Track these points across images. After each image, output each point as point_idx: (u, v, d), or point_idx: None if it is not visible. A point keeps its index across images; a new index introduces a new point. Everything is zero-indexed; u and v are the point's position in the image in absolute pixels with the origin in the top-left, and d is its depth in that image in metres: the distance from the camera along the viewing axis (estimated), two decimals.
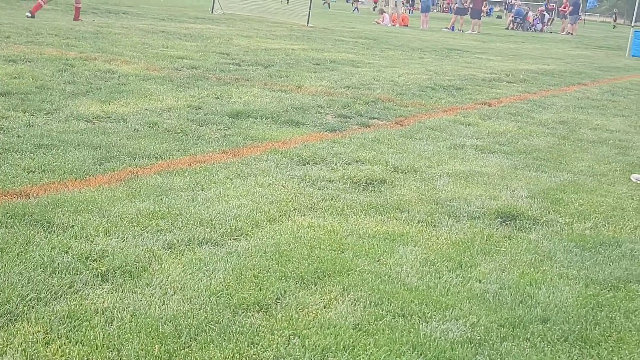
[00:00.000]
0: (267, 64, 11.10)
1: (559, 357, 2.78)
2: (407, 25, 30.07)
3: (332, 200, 4.51)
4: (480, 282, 3.42)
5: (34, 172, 4.40)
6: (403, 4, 34.48)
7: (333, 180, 4.95)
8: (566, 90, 11.80)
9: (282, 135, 6.24)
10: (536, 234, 4.24)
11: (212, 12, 23.83)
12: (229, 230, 3.77)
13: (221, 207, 4.11)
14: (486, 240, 4.04)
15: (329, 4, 41.46)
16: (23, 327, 2.58)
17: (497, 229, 4.26)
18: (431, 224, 4.24)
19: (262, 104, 7.60)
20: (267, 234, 3.80)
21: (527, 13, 40.77)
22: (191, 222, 3.82)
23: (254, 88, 8.58)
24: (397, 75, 11.36)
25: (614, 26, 57.51)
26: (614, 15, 62.77)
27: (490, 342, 2.84)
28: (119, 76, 8.38)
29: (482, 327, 2.94)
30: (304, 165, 5.31)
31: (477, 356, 2.73)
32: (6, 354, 2.42)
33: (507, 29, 37.71)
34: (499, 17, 57.95)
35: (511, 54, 19.27)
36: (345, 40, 17.87)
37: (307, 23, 22.61)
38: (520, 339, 2.88)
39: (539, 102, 9.94)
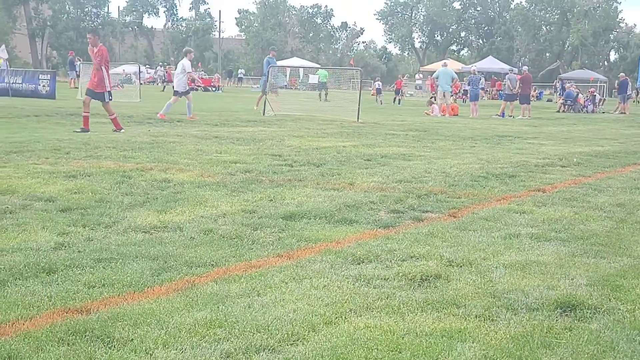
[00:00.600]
0: (319, 162, 11.25)
1: None
2: (457, 115, 30.29)
3: (387, 298, 4.51)
4: None
5: (94, 287, 4.50)
6: (452, 94, 34.80)
7: (388, 278, 4.95)
8: (622, 171, 11.69)
9: (336, 234, 6.29)
10: (597, 323, 4.16)
11: (263, 114, 24.33)
12: (286, 335, 3.79)
13: (277, 312, 4.14)
14: (546, 332, 3.98)
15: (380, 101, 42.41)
16: None
17: (556, 320, 4.20)
18: (489, 318, 4.20)
19: (315, 203, 7.68)
20: (324, 337, 3.81)
21: (578, 95, 40.77)
22: (248, 329, 3.85)
23: (306, 188, 8.69)
24: (448, 166, 11.40)
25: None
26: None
27: None
28: (174, 184, 8.58)
29: None
30: (359, 264, 5.33)
31: None
32: None
33: (558, 112, 37.72)
34: (550, 100, 58.02)
35: (563, 137, 19.22)
36: (395, 134, 18.06)
37: (357, 119, 22.93)
38: None
39: (594, 185, 9.85)
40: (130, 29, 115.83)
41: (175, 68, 24.27)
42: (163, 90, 44.79)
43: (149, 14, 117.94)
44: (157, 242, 5.73)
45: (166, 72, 54.03)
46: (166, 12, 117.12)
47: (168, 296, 4.37)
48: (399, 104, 42.75)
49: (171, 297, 4.36)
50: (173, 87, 22.60)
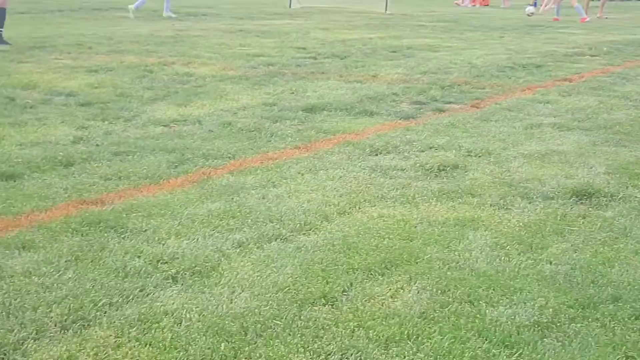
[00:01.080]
0: (344, 55, 11.11)
1: (630, 336, 2.72)
2: (487, 5, 29.59)
3: (403, 189, 4.50)
4: (551, 263, 3.37)
5: (110, 179, 4.53)
6: None
7: (405, 169, 4.94)
8: None
9: (356, 126, 6.25)
10: (612, 211, 4.14)
11: (289, 6, 23.96)
12: (299, 225, 3.81)
13: (291, 203, 4.16)
14: (559, 220, 3.97)
15: None
16: (95, 332, 2.67)
17: (571, 208, 4.18)
18: (503, 207, 4.19)
19: (336, 96, 7.62)
20: (337, 226, 3.83)
21: None
22: (261, 219, 3.87)
23: (329, 81, 8.61)
24: (475, 57, 11.22)
25: None
26: None
27: (558, 324, 2.80)
28: (196, 79, 8.54)
29: (551, 310, 2.90)
30: (376, 155, 5.31)
31: (545, 339, 2.69)
32: (78, 359, 2.52)
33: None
34: None
35: (596, 25, 18.80)
36: (424, 25, 17.74)
37: (385, 10, 22.51)
38: (590, 320, 2.83)
39: (623, 74, 9.67)
40: None
41: None
42: None
43: None
44: (175, 136, 5.74)
45: None
46: None
47: (183, 188, 4.40)
48: None
49: (186, 188, 4.39)
50: None
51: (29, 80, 7.99)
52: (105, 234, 3.59)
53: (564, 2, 21.15)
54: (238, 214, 3.95)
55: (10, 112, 6.41)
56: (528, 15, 20.71)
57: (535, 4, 29.62)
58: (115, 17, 17.79)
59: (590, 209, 4.19)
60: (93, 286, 3.03)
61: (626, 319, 2.84)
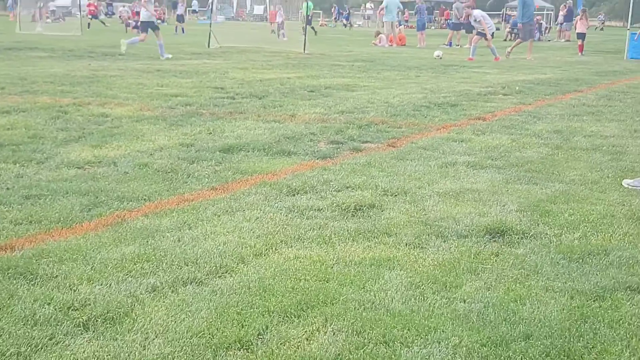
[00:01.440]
0: (262, 94, 11.15)
1: None
2: (404, 45, 30.17)
3: (319, 229, 4.51)
4: (464, 302, 3.41)
5: (20, 224, 4.42)
6: (400, 23, 34.59)
7: (322, 209, 4.95)
8: (562, 98, 11.80)
9: (273, 166, 6.26)
10: (524, 248, 4.23)
11: (208, 46, 23.97)
12: (214, 268, 3.78)
13: (207, 245, 4.12)
14: (473, 258, 4.03)
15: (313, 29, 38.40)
16: None
17: (484, 246, 4.25)
18: (418, 246, 4.23)
19: (254, 136, 7.62)
20: (253, 269, 3.81)
21: None
22: (176, 262, 3.83)
23: (247, 121, 8.62)
24: (391, 96, 11.39)
25: (602, 29, 58.72)
26: (601, 19, 63.87)
27: None
28: (112, 119, 8.43)
29: (464, 348, 2.93)
30: (293, 195, 5.32)
31: None
32: None
33: (505, 40, 37.78)
34: (497, 29, 58.05)
35: (508, 65, 19.33)
36: (341, 65, 17.96)
37: (304, 50, 22.72)
38: (502, 358, 2.87)
39: (534, 112, 9.94)
40: None
41: None
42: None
43: None
44: (89, 178, 5.64)
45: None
46: None
47: (97, 232, 4.32)
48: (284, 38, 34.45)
49: (100, 232, 4.31)
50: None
51: None
52: (14, 281, 3.49)
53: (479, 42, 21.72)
54: (153, 257, 3.89)
55: None
56: (436, 58, 21.21)
57: (450, 44, 30.38)
58: (29, 57, 17.50)
59: (502, 246, 4.27)
60: (0, 335, 2.94)
61: (537, 356, 2.89)
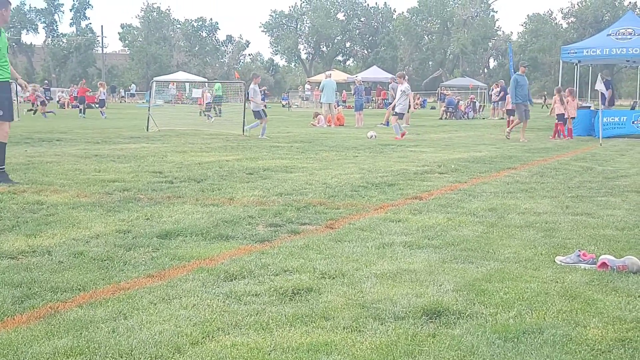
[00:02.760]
0: (200, 178, 11.15)
1: None
2: (342, 125, 30.61)
3: (257, 315, 4.49)
4: None
5: None
6: (338, 103, 35.15)
7: (259, 294, 4.94)
8: (497, 176, 12.06)
9: (211, 251, 6.23)
10: (460, 329, 4.26)
11: (147, 130, 23.98)
12: (149, 358, 3.72)
13: (143, 335, 4.06)
14: (410, 340, 4.05)
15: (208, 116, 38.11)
16: None
17: (422, 328, 4.27)
18: (356, 330, 4.24)
19: (192, 220, 7.60)
20: (189, 358, 3.76)
21: (459, 102, 41.88)
22: (110, 354, 3.76)
23: (185, 205, 8.60)
24: (330, 177, 11.50)
25: (547, 106, 60.41)
26: (543, 97, 65.95)
27: None
28: (47, 207, 8.33)
29: None
30: (231, 280, 5.30)
31: None
32: None
33: (440, 119, 38.65)
34: (433, 108, 59.39)
35: (444, 144, 19.71)
36: (280, 146, 18.12)
37: (243, 132, 22.87)
38: None
39: (469, 190, 10.12)
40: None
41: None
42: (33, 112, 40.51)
43: (27, 31, 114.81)
44: (22, 268, 5.54)
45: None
46: (46, 28, 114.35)
47: (29, 325, 4.23)
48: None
49: (32, 325, 4.22)
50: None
51: None
52: None
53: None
54: (86, 350, 3.82)
55: None
56: (370, 138, 21.57)
57: (387, 124, 30.90)
58: None
59: (439, 327, 4.30)
60: None
61: None
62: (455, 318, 4.45)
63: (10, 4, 10.72)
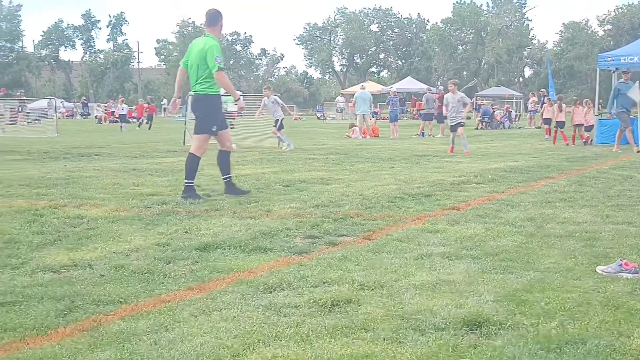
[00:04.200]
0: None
1: None
2: (377, 136, 30.59)
3: (297, 326, 4.50)
4: None
5: None
6: (372, 115, 35.15)
7: (298, 306, 4.95)
8: (534, 185, 11.96)
9: (249, 264, 6.27)
10: (501, 339, 4.24)
11: (183, 144, 24.16)
12: None
13: (184, 348, 4.10)
14: (451, 352, 4.04)
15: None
16: None
17: (462, 339, 4.26)
18: (397, 341, 4.23)
19: (230, 233, 7.65)
20: None
21: (495, 112, 41.64)
22: None
23: (223, 218, 8.65)
24: (366, 188, 11.50)
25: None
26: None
27: None
28: (88, 221, 8.43)
29: None
30: (270, 292, 5.32)
31: None
32: None
33: (476, 129, 38.45)
34: (468, 117, 59.06)
35: (480, 154, 19.60)
36: (316, 158, 18.15)
37: (279, 145, 22.94)
38: None
39: (507, 200, 10.05)
40: (46, 62, 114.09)
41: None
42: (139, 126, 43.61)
43: (65, 47, 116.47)
44: (65, 282, 5.62)
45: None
46: (83, 45, 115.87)
47: (72, 337, 4.28)
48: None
49: (75, 338, 4.27)
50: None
51: None
52: None
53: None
54: None
55: None
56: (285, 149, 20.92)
57: (422, 134, 30.83)
58: (5, 161, 17.56)
59: (480, 338, 4.28)
60: None
61: None
62: (496, 329, 4.43)
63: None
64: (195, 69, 10.57)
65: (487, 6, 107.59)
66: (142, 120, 44.61)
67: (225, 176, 10.94)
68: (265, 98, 22.25)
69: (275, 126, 21.99)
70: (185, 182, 10.53)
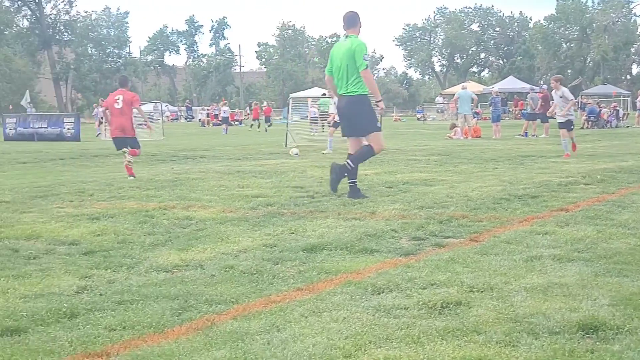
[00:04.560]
0: (341, 192, 11.23)
1: None
2: (479, 137, 30.22)
3: (407, 328, 4.49)
4: None
5: (114, 329, 4.53)
6: (474, 115, 34.75)
7: (408, 307, 4.94)
8: None
9: (356, 265, 6.28)
10: (619, 344, 4.12)
11: (285, 146, 24.42)
12: None
13: (297, 348, 4.14)
14: (567, 356, 3.95)
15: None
16: None
17: (578, 343, 4.16)
18: (510, 344, 4.17)
19: (336, 234, 7.69)
20: None
21: (601, 110, 40.55)
22: None
23: (328, 219, 8.70)
24: (470, 189, 11.37)
25: None
26: None
27: None
28: (196, 222, 8.63)
29: None
30: (379, 294, 5.32)
31: None
32: None
33: (582, 128, 37.53)
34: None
35: (587, 154, 19.11)
36: (417, 159, 18.07)
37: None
38: None
39: (618, 202, 9.77)
40: (152, 67, 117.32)
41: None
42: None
43: (170, 52, 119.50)
44: (178, 281, 5.76)
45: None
46: (187, 49, 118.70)
47: (188, 336, 4.39)
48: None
49: (191, 336, 4.37)
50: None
51: (32, 230, 8.08)
52: None
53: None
54: None
55: (14, 264, 6.46)
56: (293, 155, 19.91)
57: (525, 135, 30.25)
58: (115, 163, 18.11)
59: (597, 343, 4.17)
60: None
61: None
62: (613, 333, 4.31)
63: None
64: (344, 70, 10.60)
65: (592, 2, 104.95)
66: (258, 122, 45.61)
67: (351, 180, 10.82)
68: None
69: (332, 126, 21.85)
70: (350, 183, 10.72)
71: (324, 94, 31.52)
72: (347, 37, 10.89)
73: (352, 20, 10.88)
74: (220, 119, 47.94)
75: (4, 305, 5.12)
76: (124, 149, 14.55)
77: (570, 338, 4.24)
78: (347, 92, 10.68)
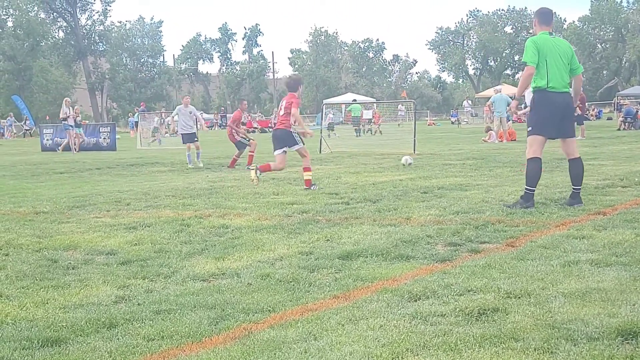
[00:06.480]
0: (376, 198, 11.24)
1: None
2: (515, 140, 30.01)
3: (444, 335, 4.48)
4: None
5: (153, 339, 4.57)
6: (508, 118, 34.51)
7: (445, 314, 4.92)
8: None
9: (392, 272, 6.28)
10: None
11: (319, 152, 24.46)
12: None
13: (334, 356, 4.15)
14: None
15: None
16: None
17: (617, 349, 4.12)
18: (548, 351, 4.14)
19: (371, 241, 7.68)
20: None
21: (638, 111, 40.07)
22: None
23: (363, 226, 8.70)
24: (506, 194, 11.30)
25: None
26: None
27: None
28: (232, 230, 8.67)
29: None
30: (415, 301, 5.32)
31: None
32: None
33: (618, 129, 37.12)
34: (610, 118, 57.14)
35: (624, 156, 18.90)
36: (452, 164, 17.98)
37: (414, 151, 22.89)
38: None
39: None
40: (186, 75, 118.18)
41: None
42: None
43: (203, 60, 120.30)
44: (215, 290, 5.80)
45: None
46: (220, 57, 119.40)
47: (225, 345, 4.42)
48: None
49: (228, 346, 4.40)
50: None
51: (70, 240, 8.19)
52: None
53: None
54: None
55: (53, 275, 6.55)
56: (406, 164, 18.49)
57: None
58: (151, 172, 18.29)
59: (637, 349, 4.13)
60: None
61: None
62: None
63: None
64: (564, 68, 9.99)
65: (627, 2, 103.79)
66: None
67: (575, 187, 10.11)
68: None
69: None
70: (526, 189, 9.97)
71: (355, 100, 31.57)
72: (552, 35, 10.29)
73: (548, 17, 10.17)
74: (253, 127, 48.19)
75: (44, 315, 5.20)
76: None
77: (609, 344, 4.21)
78: (568, 90, 10.00)
